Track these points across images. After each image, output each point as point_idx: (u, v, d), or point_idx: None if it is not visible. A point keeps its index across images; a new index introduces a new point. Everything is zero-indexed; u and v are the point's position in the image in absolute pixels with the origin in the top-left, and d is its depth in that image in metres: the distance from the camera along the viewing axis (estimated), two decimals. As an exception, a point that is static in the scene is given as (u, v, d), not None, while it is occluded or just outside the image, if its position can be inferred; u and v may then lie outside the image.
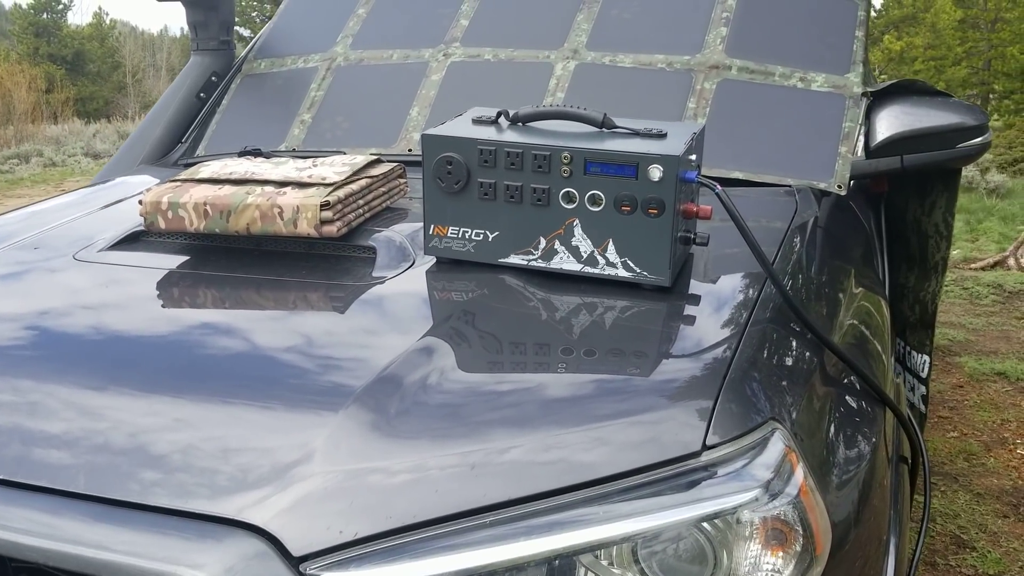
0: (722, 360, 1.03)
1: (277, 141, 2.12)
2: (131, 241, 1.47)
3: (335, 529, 0.85)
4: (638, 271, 1.22)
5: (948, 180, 2.02)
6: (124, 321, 1.19)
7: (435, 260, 1.33)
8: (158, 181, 1.97)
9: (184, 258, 1.39)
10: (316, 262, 1.34)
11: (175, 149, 2.26)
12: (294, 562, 0.83)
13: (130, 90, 29.51)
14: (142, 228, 1.45)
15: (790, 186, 1.73)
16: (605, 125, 1.28)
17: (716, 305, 1.21)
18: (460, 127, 1.31)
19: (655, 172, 1.18)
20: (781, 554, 0.91)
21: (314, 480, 0.88)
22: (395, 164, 1.56)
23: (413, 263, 1.32)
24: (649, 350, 1.06)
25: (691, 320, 1.17)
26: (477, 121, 1.33)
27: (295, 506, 0.86)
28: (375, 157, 1.54)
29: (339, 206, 1.34)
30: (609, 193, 1.21)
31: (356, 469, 0.89)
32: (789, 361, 1.12)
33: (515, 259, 1.28)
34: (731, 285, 1.28)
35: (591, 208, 1.22)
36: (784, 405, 1.01)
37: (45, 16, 29.91)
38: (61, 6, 30.29)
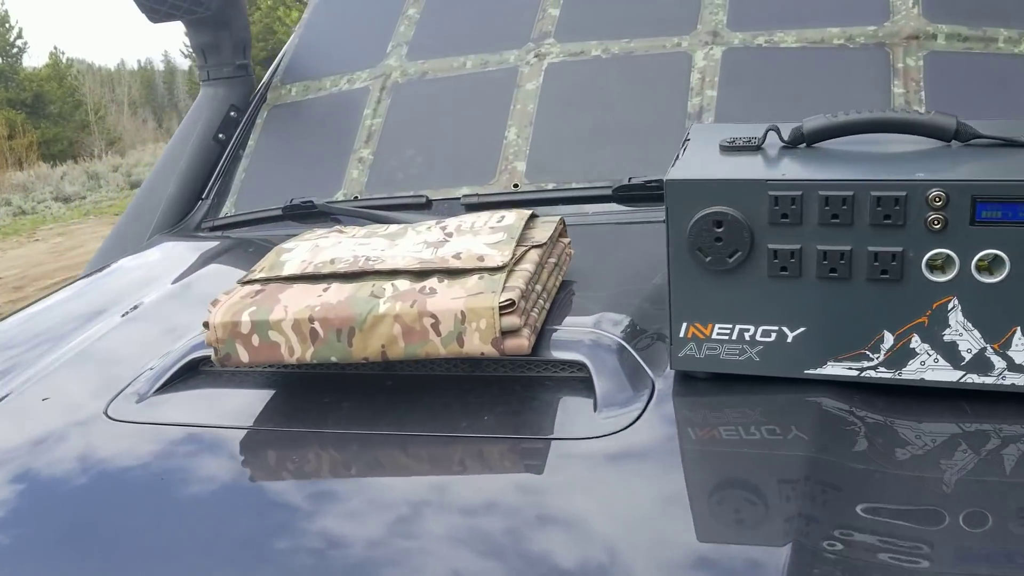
0: None
1: (331, 189, 1.61)
2: (186, 378, 0.96)
3: None
4: None
5: None
6: (195, 546, 0.69)
7: (687, 378, 0.84)
8: (195, 259, 1.46)
9: (276, 401, 0.89)
10: (495, 394, 0.84)
11: (196, 208, 1.75)
12: None
13: (94, 128, 28.76)
14: (199, 355, 0.95)
15: None
16: (960, 136, 0.79)
17: None
18: (718, 163, 0.81)
19: (1107, 211, 0.69)
20: None
21: None
22: (554, 217, 1.06)
23: (653, 387, 0.82)
24: None
25: None
26: (728, 149, 0.83)
27: None
28: (529, 212, 1.04)
29: (522, 304, 0.83)
30: (1017, 252, 0.72)
31: None
32: None
33: (836, 369, 0.78)
34: None
35: (981, 279, 0.73)
36: None
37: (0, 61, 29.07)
38: (16, 50, 29.44)
